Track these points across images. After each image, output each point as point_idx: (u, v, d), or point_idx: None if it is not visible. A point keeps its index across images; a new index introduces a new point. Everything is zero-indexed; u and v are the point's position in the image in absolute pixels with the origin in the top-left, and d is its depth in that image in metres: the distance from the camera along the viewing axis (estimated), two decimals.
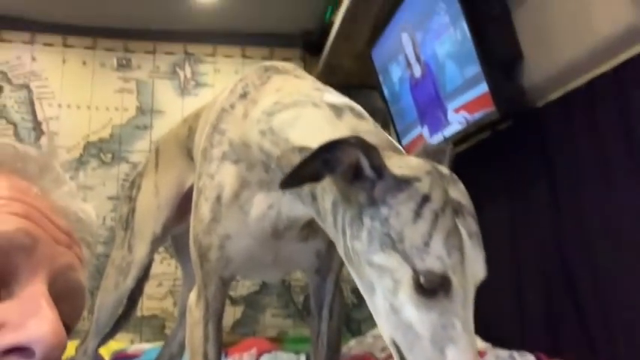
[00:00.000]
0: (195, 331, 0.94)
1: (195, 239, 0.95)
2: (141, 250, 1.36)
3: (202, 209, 0.94)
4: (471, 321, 0.66)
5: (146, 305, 2.71)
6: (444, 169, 0.73)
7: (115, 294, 1.39)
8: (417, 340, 0.64)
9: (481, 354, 1.81)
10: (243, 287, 2.77)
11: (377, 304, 0.68)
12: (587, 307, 1.61)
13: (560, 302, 1.74)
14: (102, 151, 2.88)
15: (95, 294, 2.47)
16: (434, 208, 0.66)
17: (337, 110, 0.82)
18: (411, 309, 0.64)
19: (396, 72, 2.42)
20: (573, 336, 1.67)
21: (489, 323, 2.10)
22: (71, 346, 1.52)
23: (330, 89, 0.91)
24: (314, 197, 0.79)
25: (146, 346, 2.33)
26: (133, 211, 1.40)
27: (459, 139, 2.13)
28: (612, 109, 1.52)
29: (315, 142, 0.73)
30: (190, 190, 1.35)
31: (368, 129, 0.78)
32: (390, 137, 0.81)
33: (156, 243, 1.37)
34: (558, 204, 1.74)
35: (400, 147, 0.80)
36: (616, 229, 1.49)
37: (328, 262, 1.05)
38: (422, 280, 0.63)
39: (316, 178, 0.70)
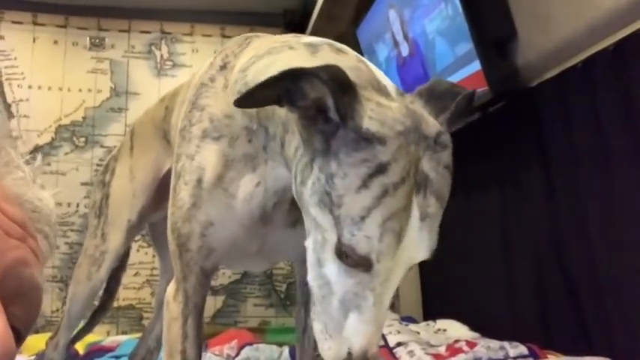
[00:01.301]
0: (173, 328, 0.85)
1: (174, 227, 0.86)
2: (115, 239, 1.27)
3: (181, 194, 0.85)
4: (388, 297, 0.64)
5: (123, 295, 2.62)
6: (432, 129, 0.63)
7: (88, 285, 1.29)
8: (329, 295, 0.64)
9: (471, 344, 1.75)
10: (224, 276, 2.70)
11: (308, 250, 0.66)
12: (582, 296, 1.56)
13: (553, 291, 1.68)
14: (75, 134, 2.76)
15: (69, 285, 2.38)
16: (385, 182, 0.59)
17: (313, 47, 0.73)
18: (332, 268, 0.63)
19: (383, 51, 2.34)
20: (566, 326, 1.62)
21: (480, 313, 2.05)
22: (44, 339, 1.43)
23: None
24: (282, 145, 0.73)
25: (122, 338, 2.23)
26: (106, 197, 1.31)
27: None
28: (611, 89, 1.46)
29: None
30: (168, 174, 1.25)
31: (348, 64, 0.67)
32: (380, 74, 0.70)
33: (131, 231, 1.28)
34: (552, 189, 1.67)
35: (394, 86, 0.69)
36: (613, 216, 1.43)
37: None
38: (343, 250, 0.60)
39: (275, 102, 0.63)
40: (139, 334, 1.96)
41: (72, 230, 2.66)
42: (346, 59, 0.71)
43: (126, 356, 1.60)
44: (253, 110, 0.77)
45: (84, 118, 2.78)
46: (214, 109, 0.84)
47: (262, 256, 0.96)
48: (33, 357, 1.78)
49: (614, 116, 1.44)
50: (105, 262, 1.27)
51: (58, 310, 2.55)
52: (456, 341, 1.81)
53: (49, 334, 1.45)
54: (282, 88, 0.61)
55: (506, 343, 1.68)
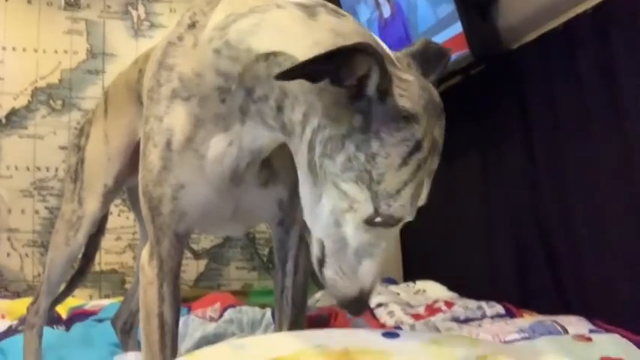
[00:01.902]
0: (149, 292, 0.85)
1: (145, 191, 0.84)
2: (92, 204, 1.25)
3: (151, 157, 0.83)
4: (393, 239, 0.74)
5: (105, 260, 2.62)
6: (438, 97, 0.69)
7: (66, 250, 1.28)
8: (343, 249, 0.70)
9: (449, 304, 1.78)
10: (206, 240, 2.70)
11: (318, 212, 0.70)
12: (559, 258, 1.59)
13: (531, 253, 1.72)
14: (51, 97, 2.70)
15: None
16: (420, 157, 0.65)
17: (308, 10, 0.72)
18: (352, 229, 0.69)
19: (364, 13, 2.31)
20: (543, 287, 1.66)
21: (459, 274, 2.09)
22: (26, 304, 1.43)
23: None
24: (280, 108, 0.73)
25: (105, 302, 2.24)
26: (81, 161, 1.29)
27: None
28: (592, 52, 1.46)
29: (287, 44, 0.69)
30: None
31: (353, 28, 0.70)
32: (372, 34, 0.72)
33: (108, 196, 1.26)
34: (533, 153, 1.69)
35: (392, 52, 0.72)
36: (592, 180, 1.45)
37: (292, 212, 0.96)
38: (378, 219, 0.67)
39: (314, 79, 0.64)
40: (121, 298, 1.96)
41: (51, 195, 2.63)
42: (348, 23, 0.71)
43: (109, 319, 1.61)
44: (233, 70, 0.75)
45: (60, 80, 2.72)
46: (184, 68, 0.82)
47: (237, 220, 0.96)
48: (16, 321, 1.78)
49: (595, 79, 1.45)
50: (82, 227, 1.26)
51: (39, 275, 2.54)
52: (435, 301, 1.85)
53: (30, 299, 1.45)
54: (333, 65, 0.62)
55: (483, 303, 1.71)
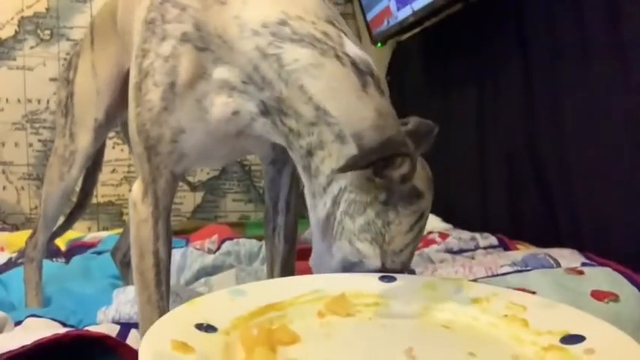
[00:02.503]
0: (143, 229, 0.84)
1: (141, 129, 0.81)
2: (84, 138, 1.24)
3: (151, 95, 0.80)
4: None
5: (101, 192, 2.63)
6: (428, 170, 0.82)
7: (61, 185, 1.28)
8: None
9: (443, 236, 1.81)
10: (202, 173, 2.70)
11: (327, 260, 0.80)
12: (553, 191, 1.60)
13: (524, 186, 1.72)
14: (39, 27, 2.63)
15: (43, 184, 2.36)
16: (421, 225, 0.79)
17: (361, 77, 0.76)
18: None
19: None
20: (536, 219, 1.67)
21: (452, 205, 2.10)
22: (25, 236, 1.44)
23: (343, 23, 0.82)
24: (310, 154, 0.78)
25: (103, 234, 2.27)
26: (71, 95, 1.26)
27: (427, 13, 2.00)
28: None
29: (336, 108, 0.74)
30: None
31: (388, 110, 0.77)
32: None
33: (100, 130, 1.25)
34: (531, 85, 1.66)
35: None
36: (590, 114, 1.44)
37: (284, 153, 0.96)
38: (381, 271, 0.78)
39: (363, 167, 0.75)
40: (119, 230, 1.98)
41: (44, 127, 2.61)
42: (386, 103, 0.78)
43: (108, 252, 1.63)
44: (276, 84, 0.76)
45: (47, 9, 2.63)
46: (200, 16, 0.78)
47: (229, 157, 0.99)
48: (15, 254, 1.81)
49: (597, 10, 1.40)
50: (76, 162, 1.25)
51: (36, 208, 2.56)
52: (430, 233, 1.87)
53: (28, 232, 1.46)
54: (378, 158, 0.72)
55: (477, 235, 1.74)
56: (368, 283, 0.77)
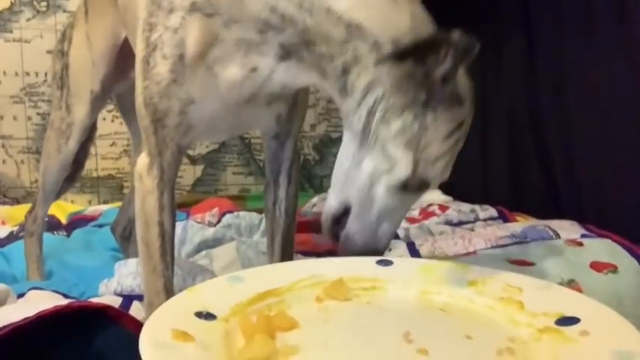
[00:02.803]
0: (148, 201, 0.85)
1: (148, 102, 0.81)
2: (80, 111, 1.24)
3: (159, 68, 0.79)
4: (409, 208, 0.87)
5: (101, 166, 2.62)
6: (471, 81, 0.79)
7: (59, 158, 1.29)
8: (369, 211, 0.79)
9: (443, 208, 1.82)
10: (201, 146, 2.69)
11: (355, 174, 0.78)
12: (554, 163, 1.60)
13: (525, 158, 1.72)
14: None
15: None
16: (460, 135, 0.77)
17: None
18: (383, 191, 0.78)
19: None
20: (537, 191, 1.67)
21: (453, 177, 2.10)
22: (26, 210, 1.44)
23: None
24: (345, 71, 0.76)
25: (104, 207, 2.27)
26: (66, 67, 1.25)
27: None
28: None
29: (368, 19, 0.73)
30: (127, 42, 1.18)
31: (423, 16, 0.76)
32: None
33: (96, 102, 1.24)
34: (534, 58, 1.65)
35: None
36: (593, 84, 1.43)
37: (288, 126, 0.96)
38: (411, 182, 0.76)
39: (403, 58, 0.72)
40: (119, 203, 1.98)
41: (42, 100, 2.59)
42: (420, 10, 0.76)
43: (108, 225, 1.63)
44: (297, 17, 0.75)
45: None
46: None
47: (232, 130, 0.99)
48: (16, 227, 1.81)
49: None
50: (73, 135, 1.25)
51: (36, 182, 2.56)
52: (429, 205, 1.87)
53: (29, 205, 1.47)
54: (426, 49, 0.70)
55: (476, 207, 1.74)
56: (365, 267, 0.78)
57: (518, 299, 0.68)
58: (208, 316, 0.63)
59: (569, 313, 0.63)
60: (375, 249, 0.81)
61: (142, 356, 0.52)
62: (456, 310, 0.70)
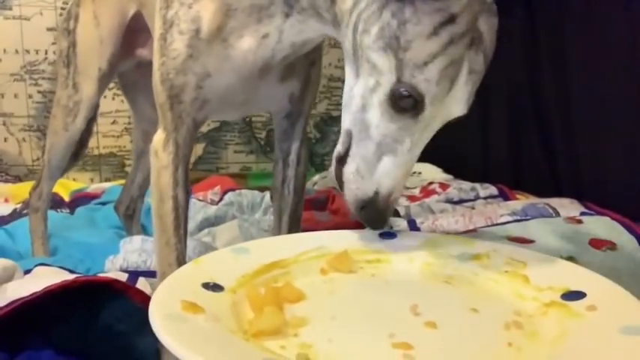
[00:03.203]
0: (163, 176, 0.87)
1: (165, 78, 0.83)
2: (88, 89, 1.25)
3: (176, 44, 0.81)
4: (421, 146, 0.71)
5: (103, 143, 2.63)
6: None
7: (65, 135, 1.29)
8: (367, 140, 0.69)
9: (444, 186, 1.82)
10: (203, 124, 2.69)
11: (351, 95, 0.71)
12: (555, 142, 1.60)
13: (526, 137, 1.72)
14: None
15: (47, 136, 2.35)
16: (453, 32, 0.64)
17: None
18: (377, 113, 0.68)
19: None
20: (538, 169, 1.68)
21: (453, 156, 2.11)
22: (28, 188, 1.45)
23: None
24: (333, 0, 0.73)
25: (106, 185, 2.28)
26: (73, 45, 1.25)
27: None
28: None
29: None
30: (135, 18, 1.19)
31: None
32: None
33: (103, 80, 1.25)
34: (535, 33, 1.64)
35: None
36: (594, 61, 1.42)
37: (300, 105, 0.97)
38: (400, 93, 0.65)
39: None
40: (121, 181, 1.99)
41: (43, 78, 2.58)
42: None
43: (111, 202, 1.64)
44: None
45: None
46: None
47: (245, 108, 0.97)
48: (19, 205, 1.82)
49: None
50: (80, 113, 1.26)
51: (38, 159, 2.56)
52: (430, 183, 1.88)
53: (31, 183, 1.47)
54: None
55: (477, 185, 1.75)
56: (369, 240, 0.78)
57: (523, 273, 0.69)
58: (215, 287, 0.64)
59: (574, 288, 0.63)
60: (376, 192, 0.70)
61: (153, 328, 0.53)
62: (461, 284, 0.70)
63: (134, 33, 1.22)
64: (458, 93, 0.67)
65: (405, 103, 0.66)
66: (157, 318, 0.54)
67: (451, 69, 0.64)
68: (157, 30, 0.85)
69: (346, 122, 0.72)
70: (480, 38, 0.66)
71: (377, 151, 0.69)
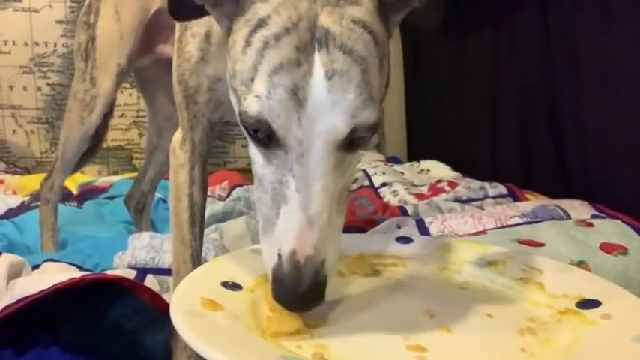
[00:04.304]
0: (180, 174, 0.88)
1: (181, 79, 0.85)
2: (106, 84, 1.25)
3: (189, 47, 0.83)
4: (315, 182, 0.55)
5: (111, 137, 2.63)
6: None
7: (81, 129, 1.30)
8: (263, 195, 0.59)
9: (452, 184, 1.81)
10: None
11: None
12: (567, 141, 1.59)
13: (536, 136, 1.71)
14: None
15: (56, 125, 2.36)
16: (265, 34, 0.56)
17: None
18: (258, 160, 0.60)
19: None
20: (548, 169, 1.67)
21: (463, 154, 2.10)
22: (37, 180, 1.46)
23: None
24: None
25: (114, 178, 2.28)
26: (92, 39, 1.26)
27: None
28: None
29: None
30: (156, 15, 1.21)
31: None
32: None
33: (121, 76, 1.26)
34: (547, 32, 1.63)
35: None
36: (606, 62, 1.41)
37: None
38: (245, 123, 0.57)
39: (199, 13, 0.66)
40: (129, 174, 2.00)
41: (52, 71, 2.59)
42: None
43: (119, 197, 1.64)
44: None
45: None
46: None
47: None
48: (28, 197, 1.83)
49: None
50: (97, 107, 1.27)
51: (47, 152, 2.57)
52: (439, 181, 1.87)
53: (40, 175, 1.48)
54: None
55: (486, 184, 1.74)
56: (386, 244, 0.79)
57: (538, 280, 0.69)
58: (234, 286, 0.65)
59: (589, 296, 0.63)
60: (279, 256, 0.56)
61: (174, 323, 0.54)
62: (476, 289, 0.71)
63: (155, 29, 1.23)
64: (321, 105, 0.54)
65: (260, 133, 0.56)
66: (178, 313, 0.55)
67: (282, 75, 0.54)
68: (176, 32, 0.87)
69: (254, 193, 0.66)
70: (327, 35, 0.55)
71: (272, 204, 0.57)
